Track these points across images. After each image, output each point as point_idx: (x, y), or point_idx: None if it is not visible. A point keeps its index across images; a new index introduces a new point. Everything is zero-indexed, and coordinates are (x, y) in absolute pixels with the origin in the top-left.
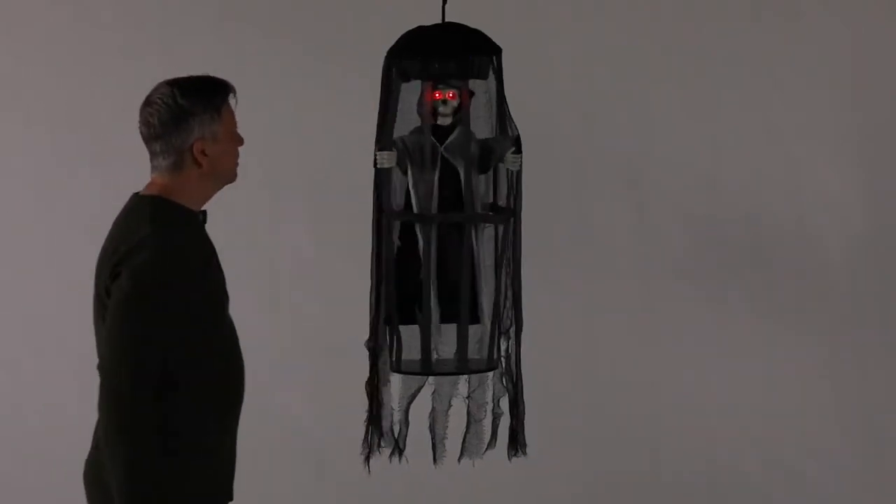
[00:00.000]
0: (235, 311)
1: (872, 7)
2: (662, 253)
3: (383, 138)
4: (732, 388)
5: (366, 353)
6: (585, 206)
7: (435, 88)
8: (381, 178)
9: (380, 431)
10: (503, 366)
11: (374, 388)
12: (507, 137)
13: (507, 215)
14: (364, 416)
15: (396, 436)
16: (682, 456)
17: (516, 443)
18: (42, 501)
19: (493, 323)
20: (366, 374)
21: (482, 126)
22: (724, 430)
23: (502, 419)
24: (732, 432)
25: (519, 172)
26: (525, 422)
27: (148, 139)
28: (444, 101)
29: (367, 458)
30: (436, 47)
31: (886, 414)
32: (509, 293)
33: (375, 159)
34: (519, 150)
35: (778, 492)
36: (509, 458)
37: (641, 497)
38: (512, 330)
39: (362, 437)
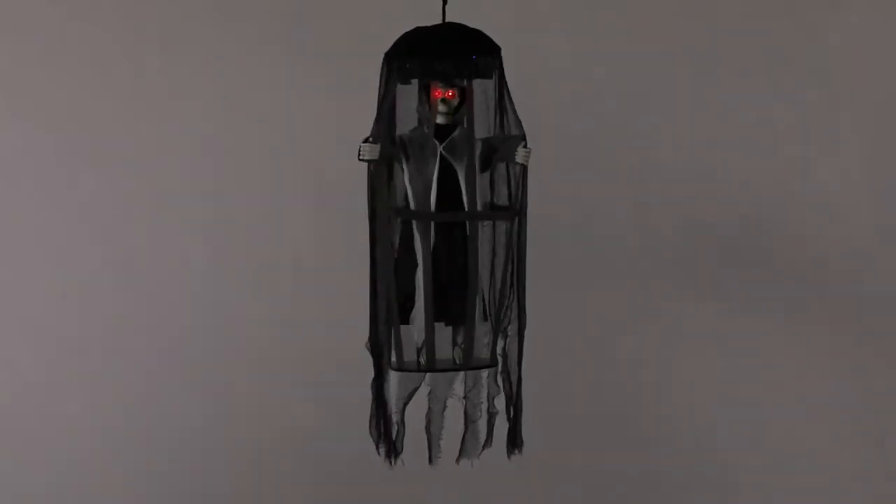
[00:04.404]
0: (236, 310)
1: (872, 7)
2: (662, 253)
3: (373, 132)
4: (733, 388)
5: (366, 353)
6: (585, 205)
7: (434, 87)
8: (370, 173)
9: (384, 432)
10: (500, 364)
11: (378, 389)
12: (512, 135)
13: (512, 213)
14: (367, 416)
15: (394, 436)
16: (682, 455)
17: (514, 442)
18: (42, 501)
19: (492, 320)
20: (365, 373)
21: (481, 125)
22: (725, 430)
23: (498, 418)
24: (732, 432)
25: (525, 168)
26: (522, 420)
27: None
28: (444, 100)
29: (388, 458)
30: (434, 46)
31: (888, 414)
32: (511, 291)
33: (359, 151)
34: (527, 145)
35: (778, 492)
36: (509, 457)
37: (641, 496)
38: (512, 328)
39: (374, 438)
